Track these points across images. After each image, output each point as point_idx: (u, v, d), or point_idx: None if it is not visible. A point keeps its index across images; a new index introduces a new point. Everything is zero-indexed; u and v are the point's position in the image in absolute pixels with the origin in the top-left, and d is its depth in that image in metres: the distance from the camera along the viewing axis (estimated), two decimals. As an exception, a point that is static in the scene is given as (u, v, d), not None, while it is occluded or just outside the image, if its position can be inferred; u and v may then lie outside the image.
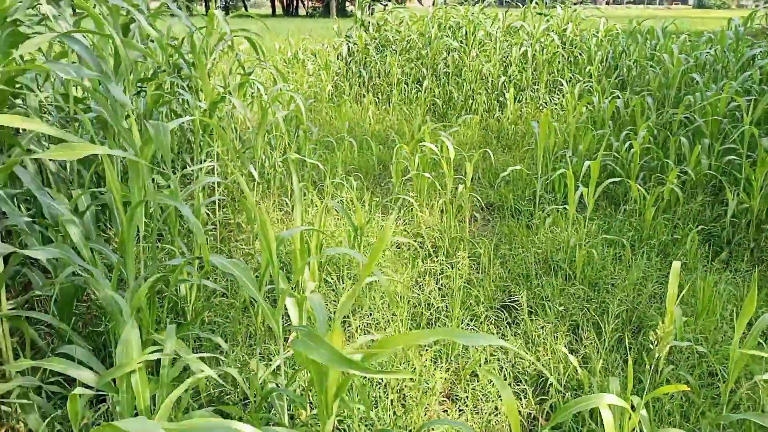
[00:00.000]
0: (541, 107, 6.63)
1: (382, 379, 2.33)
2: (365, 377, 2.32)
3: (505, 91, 6.78)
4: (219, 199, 3.63)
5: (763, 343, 2.40)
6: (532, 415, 2.23)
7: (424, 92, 6.90)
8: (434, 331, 1.20)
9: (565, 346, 2.51)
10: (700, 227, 3.59)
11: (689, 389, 2.12)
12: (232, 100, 3.50)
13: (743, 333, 2.24)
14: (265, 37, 8.13)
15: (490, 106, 6.81)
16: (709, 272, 3.12)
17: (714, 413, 2.12)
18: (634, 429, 1.72)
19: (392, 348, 1.33)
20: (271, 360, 2.40)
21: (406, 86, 7.32)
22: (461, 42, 7.59)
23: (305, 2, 47.69)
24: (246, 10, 40.38)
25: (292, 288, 2.40)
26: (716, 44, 6.37)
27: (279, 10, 47.57)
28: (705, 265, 3.25)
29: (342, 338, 1.37)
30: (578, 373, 2.31)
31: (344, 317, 2.74)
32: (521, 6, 8.52)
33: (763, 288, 3.06)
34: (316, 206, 3.79)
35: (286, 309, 1.96)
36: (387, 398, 2.22)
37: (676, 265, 2.18)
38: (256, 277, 1.85)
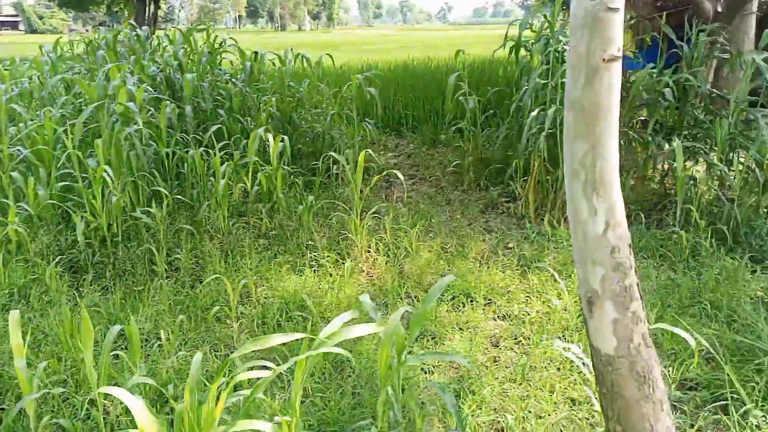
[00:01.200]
0: None
1: None
2: None
3: None
4: None
5: (123, 353, 2.52)
6: None
7: None
8: None
9: None
10: (59, 257, 3.50)
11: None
12: None
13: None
14: None
15: None
16: (83, 297, 3.09)
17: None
18: None
19: None
20: None
21: None
22: None
23: None
24: None
25: None
26: (37, 71, 6.28)
27: None
28: (71, 294, 3.20)
29: None
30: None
31: None
32: None
33: (89, 296, 3.21)
34: None
35: None
36: None
37: (14, 314, 2.02)
38: None
